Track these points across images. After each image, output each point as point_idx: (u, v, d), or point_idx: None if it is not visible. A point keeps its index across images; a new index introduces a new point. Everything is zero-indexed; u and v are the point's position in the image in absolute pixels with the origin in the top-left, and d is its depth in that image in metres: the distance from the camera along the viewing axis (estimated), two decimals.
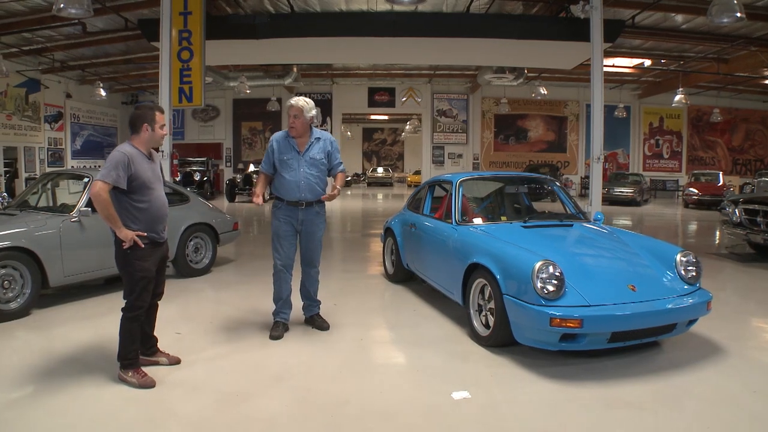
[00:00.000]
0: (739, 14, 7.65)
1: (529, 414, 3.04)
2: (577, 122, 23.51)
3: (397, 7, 10.44)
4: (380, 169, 36.27)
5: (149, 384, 3.30)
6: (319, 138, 4.33)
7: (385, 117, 32.96)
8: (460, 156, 23.53)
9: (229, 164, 23.44)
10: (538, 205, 6.06)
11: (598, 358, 3.75)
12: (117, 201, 3.30)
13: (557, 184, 5.67)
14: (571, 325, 3.38)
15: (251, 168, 19.61)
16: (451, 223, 4.83)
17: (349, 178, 33.37)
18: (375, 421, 2.95)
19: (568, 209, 5.31)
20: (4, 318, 4.59)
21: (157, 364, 3.62)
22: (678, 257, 4.00)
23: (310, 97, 4.44)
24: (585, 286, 3.62)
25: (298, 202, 4.25)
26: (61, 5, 7.19)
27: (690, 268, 3.97)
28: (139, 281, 3.33)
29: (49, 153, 18.16)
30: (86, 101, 19.56)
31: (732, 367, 3.68)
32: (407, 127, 31.54)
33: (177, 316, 4.81)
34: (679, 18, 12.38)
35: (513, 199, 5.73)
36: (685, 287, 3.86)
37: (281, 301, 4.39)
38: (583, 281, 3.67)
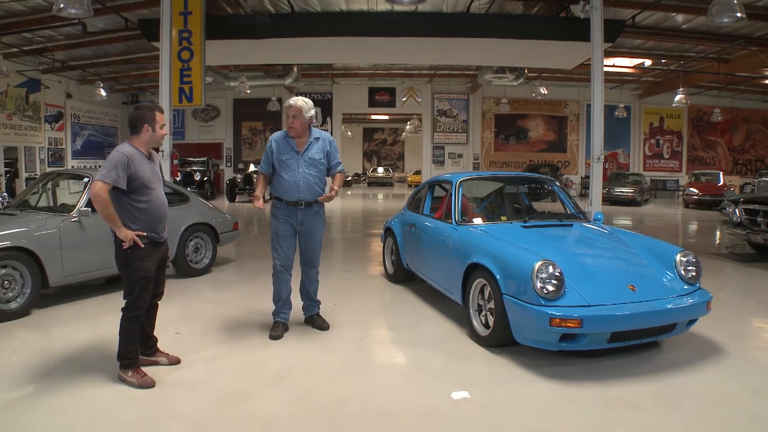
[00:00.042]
0: (739, 14, 7.64)
1: (529, 414, 3.04)
2: (577, 122, 23.50)
3: (397, 7, 10.44)
4: (380, 169, 36.26)
5: (149, 384, 3.30)
6: (318, 138, 4.33)
7: (386, 117, 32.97)
8: (460, 156, 23.52)
9: (229, 164, 23.44)
10: (538, 205, 6.06)
11: (597, 358, 3.74)
12: (117, 201, 3.31)
13: (557, 184, 5.67)
14: (570, 325, 3.38)
15: (251, 168, 19.61)
16: (451, 223, 4.83)
17: (350, 178, 33.38)
18: (374, 421, 2.95)
19: (568, 209, 5.31)
20: (4, 318, 4.59)
21: (156, 364, 3.62)
22: (678, 257, 4.00)
23: (310, 97, 4.44)
24: (585, 286, 3.62)
25: (298, 202, 4.25)
26: (61, 5, 7.20)
27: (690, 268, 3.96)
28: (138, 281, 3.33)
29: (50, 153, 18.17)
30: (86, 101, 19.57)
31: (732, 367, 3.68)
32: (407, 127, 31.55)
33: (177, 316, 4.81)
34: (680, 18, 12.38)
35: (513, 199, 5.73)
36: (685, 287, 3.85)
37: (281, 301, 4.39)
38: (583, 281, 3.67)
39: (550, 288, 3.50)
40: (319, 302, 4.62)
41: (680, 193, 21.52)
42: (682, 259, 3.99)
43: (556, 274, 3.53)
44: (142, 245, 3.31)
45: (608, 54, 12.94)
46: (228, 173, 22.65)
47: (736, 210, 7.78)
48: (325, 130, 6.41)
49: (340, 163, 4.46)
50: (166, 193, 3.61)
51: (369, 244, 9.57)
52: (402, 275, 6.10)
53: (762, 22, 11.80)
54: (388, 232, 6.32)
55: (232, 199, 18.77)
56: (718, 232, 11.56)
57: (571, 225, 4.82)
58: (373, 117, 33.64)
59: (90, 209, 5.09)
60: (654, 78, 19.90)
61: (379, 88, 22.95)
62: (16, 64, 15.41)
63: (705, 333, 4.29)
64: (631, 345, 3.78)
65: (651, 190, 21.92)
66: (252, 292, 5.74)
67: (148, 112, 3.43)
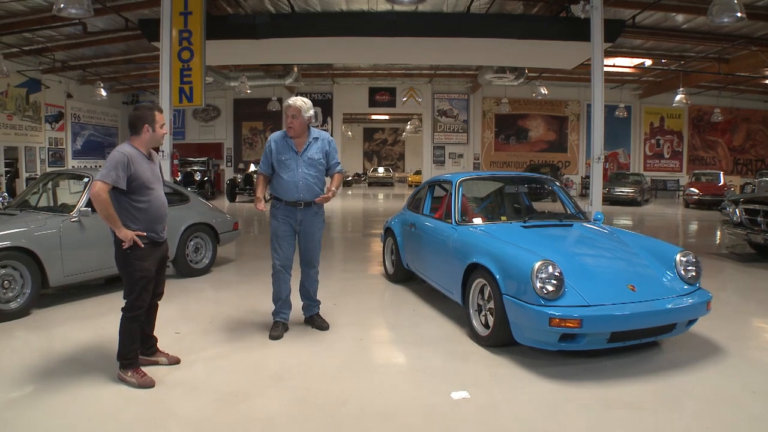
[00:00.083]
0: (739, 14, 7.65)
1: (529, 414, 3.04)
2: (577, 122, 23.50)
3: (397, 7, 10.43)
4: (381, 169, 36.26)
5: (149, 384, 3.30)
6: (317, 138, 4.33)
7: (386, 117, 32.95)
8: (460, 156, 23.53)
9: (229, 164, 23.46)
10: (538, 205, 6.06)
11: (597, 358, 3.74)
12: (116, 201, 3.31)
13: (557, 183, 5.67)
14: (570, 325, 3.38)
15: (252, 168, 19.62)
16: (451, 223, 4.83)
17: (350, 178, 33.40)
18: (374, 421, 2.95)
19: (568, 209, 5.30)
20: (4, 318, 4.59)
21: (156, 363, 3.62)
22: (678, 257, 4.00)
23: (310, 97, 4.46)
24: (584, 286, 3.62)
25: (297, 203, 4.25)
26: (62, 5, 7.20)
27: (690, 268, 3.96)
28: (138, 281, 3.34)
29: (50, 153, 18.18)
30: (87, 101, 19.58)
31: (732, 367, 3.68)
32: (408, 127, 31.55)
33: (177, 316, 4.81)
34: (680, 18, 12.38)
35: (513, 199, 5.73)
36: (685, 287, 3.85)
37: (281, 301, 4.39)
38: (583, 281, 3.67)
39: (550, 288, 3.50)
40: (318, 302, 4.62)
41: (681, 193, 21.52)
42: (682, 259, 3.99)
43: (556, 274, 3.53)
44: (142, 245, 3.31)
45: (608, 54, 12.95)
46: (228, 173, 22.66)
47: (737, 210, 7.78)
48: (325, 130, 6.40)
49: (338, 163, 4.46)
50: (166, 193, 3.61)
51: (369, 244, 9.57)
52: (402, 275, 6.10)
53: (762, 22, 11.79)
54: (388, 232, 6.32)
55: (232, 199, 18.78)
56: (718, 232, 11.56)
57: (571, 225, 4.82)
58: (374, 117, 33.64)
59: (90, 209, 5.09)
60: (654, 78, 19.90)
61: (380, 88, 22.96)
62: (17, 64, 15.42)
63: (705, 333, 4.29)
64: (630, 345, 3.78)
65: (651, 190, 21.92)
66: (252, 292, 5.74)
67: (148, 112, 3.43)
